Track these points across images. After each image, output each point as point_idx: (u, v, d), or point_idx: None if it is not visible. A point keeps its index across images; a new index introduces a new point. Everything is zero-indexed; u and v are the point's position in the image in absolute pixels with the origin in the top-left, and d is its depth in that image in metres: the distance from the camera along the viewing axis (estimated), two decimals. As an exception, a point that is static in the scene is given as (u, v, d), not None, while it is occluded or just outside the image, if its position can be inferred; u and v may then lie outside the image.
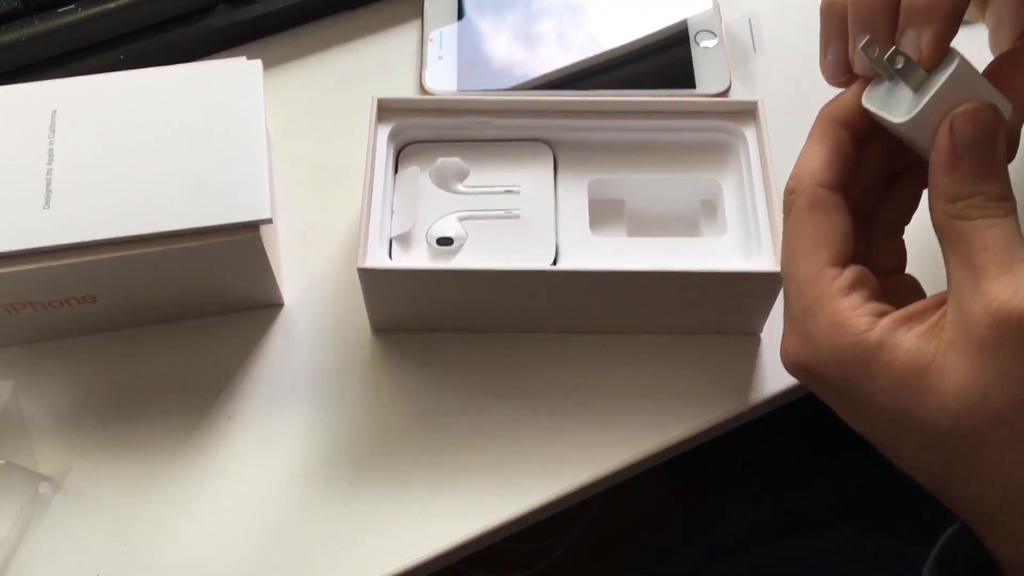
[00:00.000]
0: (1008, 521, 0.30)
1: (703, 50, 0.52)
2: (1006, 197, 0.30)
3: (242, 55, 0.45)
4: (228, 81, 0.44)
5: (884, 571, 0.54)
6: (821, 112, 0.35)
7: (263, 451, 0.43)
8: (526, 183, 0.45)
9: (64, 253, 0.40)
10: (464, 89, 0.51)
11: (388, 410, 0.44)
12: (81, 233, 0.40)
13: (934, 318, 0.31)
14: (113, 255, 0.40)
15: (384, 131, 0.44)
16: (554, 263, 0.43)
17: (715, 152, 0.46)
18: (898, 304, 0.32)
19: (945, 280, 0.31)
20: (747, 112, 0.45)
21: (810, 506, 0.60)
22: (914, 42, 0.31)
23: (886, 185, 0.36)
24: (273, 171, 0.45)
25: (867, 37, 0.32)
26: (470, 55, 0.52)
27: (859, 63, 0.34)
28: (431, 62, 0.52)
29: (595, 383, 0.44)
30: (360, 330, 0.45)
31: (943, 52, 0.31)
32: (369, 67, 0.53)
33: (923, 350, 0.30)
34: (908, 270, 0.37)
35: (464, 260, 0.43)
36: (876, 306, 0.32)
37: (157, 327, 0.45)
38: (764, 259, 0.42)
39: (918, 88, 0.31)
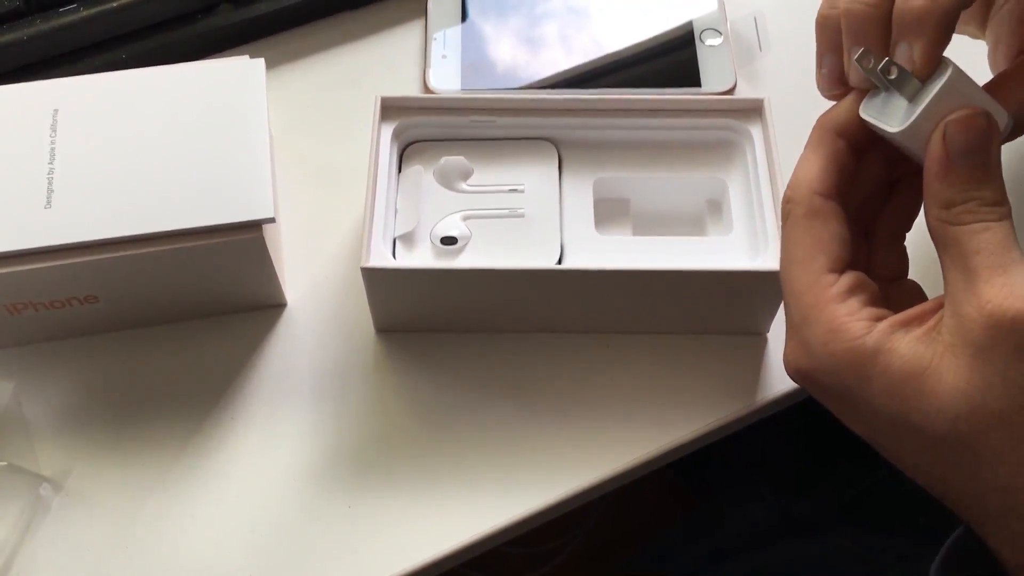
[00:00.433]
0: (1009, 524, 0.30)
1: (708, 48, 0.52)
2: (1000, 202, 0.31)
3: (245, 54, 0.45)
4: (230, 80, 0.44)
5: (888, 573, 0.54)
6: (817, 122, 0.35)
7: (266, 452, 0.43)
8: (530, 182, 0.45)
9: (65, 253, 0.40)
10: (468, 88, 0.51)
11: (391, 411, 0.43)
12: (83, 233, 0.40)
13: (931, 322, 0.31)
14: (115, 255, 0.40)
15: (388, 130, 0.44)
16: (559, 262, 0.43)
17: (721, 150, 0.46)
18: (901, 310, 0.32)
19: None
20: (753, 110, 0.45)
21: (814, 508, 0.60)
22: (907, 54, 0.32)
23: (886, 192, 0.37)
24: (276, 170, 0.45)
25: (861, 49, 0.32)
26: (474, 55, 0.52)
27: (854, 75, 0.34)
28: (435, 61, 0.52)
29: (600, 383, 0.44)
30: (363, 330, 0.45)
31: (935, 62, 0.32)
32: (372, 66, 0.53)
33: (920, 354, 0.30)
34: (911, 276, 0.37)
35: (468, 259, 0.43)
36: (874, 311, 0.32)
37: (159, 328, 0.45)
38: (770, 258, 0.41)
39: (912, 98, 0.32)
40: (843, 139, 0.34)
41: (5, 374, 0.44)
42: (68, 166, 0.41)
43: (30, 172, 0.41)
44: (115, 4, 0.50)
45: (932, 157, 0.31)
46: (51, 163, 0.41)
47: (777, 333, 0.45)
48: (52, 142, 0.42)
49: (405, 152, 0.45)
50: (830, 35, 0.35)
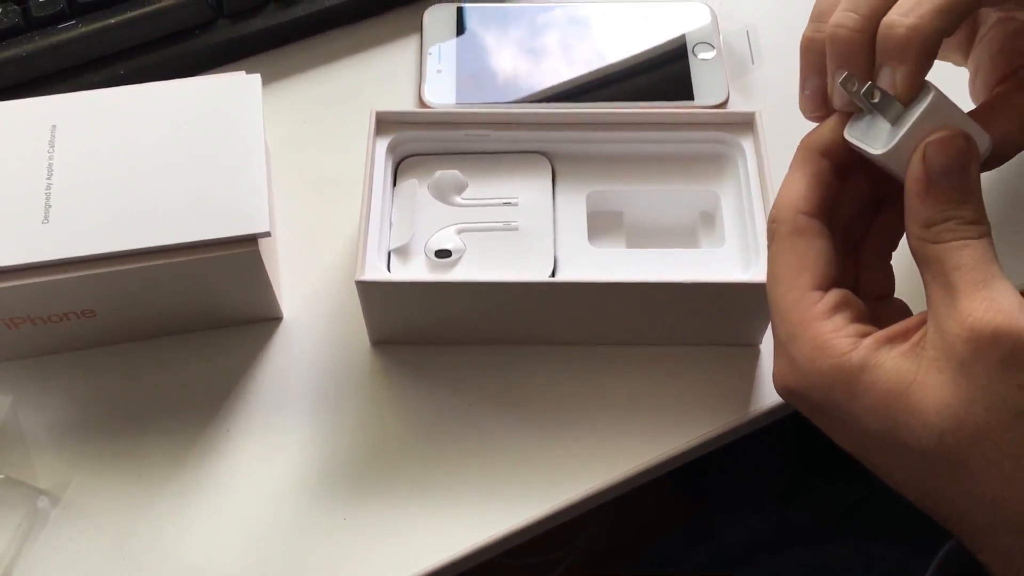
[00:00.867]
0: (998, 538, 0.30)
1: (701, 62, 0.52)
2: (979, 221, 0.31)
3: (241, 70, 0.46)
4: (227, 95, 0.44)
5: (887, 581, 0.54)
6: (801, 142, 0.36)
7: (262, 465, 0.43)
8: (524, 195, 0.45)
9: (63, 267, 0.40)
10: (463, 103, 0.51)
11: (387, 423, 0.44)
12: (80, 247, 0.40)
13: (916, 337, 0.31)
14: (112, 269, 0.40)
15: (382, 144, 0.45)
16: (553, 275, 0.43)
17: (713, 163, 0.46)
18: None
19: None
20: (745, 123, 0.45)
21: (813, 516, 0.60)
22: (889, 78, 0.32)
23: (872, 212, 0.37)
24: (272, 184, 0.45)
25: (845, 73, 0.33)
26: (469, 69, 0.52)
27: (838, 98, 0.34)
28: (430, 76, 0.52)
29: (594, 395, 0.44)
30: (359, 343, 0.45)
31: (917, 87, 0.32)
32: (368, 81, 0.53)
33: (906, 369, 0.30)
34: (898, 294, 0.37)
35: (463, 272, 0.43)
36: (859, 327, 0.32)
37: (156, 341, 0.45)
38: (763, 270, 0.41)
39: (895, 121, 0.32)
40: (827, 159, 0.35)
41: (3, 387, 0.44)
42: (66, 181, 0.42)
43: (28, 187, 0.41)
44: (113, 21, 0.50)
45: (912, 177, 0.32)
46: (49, 178, 0.42)
47: (770, 344, 0.45)
48: (50, 157, 0.42)
49: (400, 166, 0.46)
50: (814, 58, 0.35)
